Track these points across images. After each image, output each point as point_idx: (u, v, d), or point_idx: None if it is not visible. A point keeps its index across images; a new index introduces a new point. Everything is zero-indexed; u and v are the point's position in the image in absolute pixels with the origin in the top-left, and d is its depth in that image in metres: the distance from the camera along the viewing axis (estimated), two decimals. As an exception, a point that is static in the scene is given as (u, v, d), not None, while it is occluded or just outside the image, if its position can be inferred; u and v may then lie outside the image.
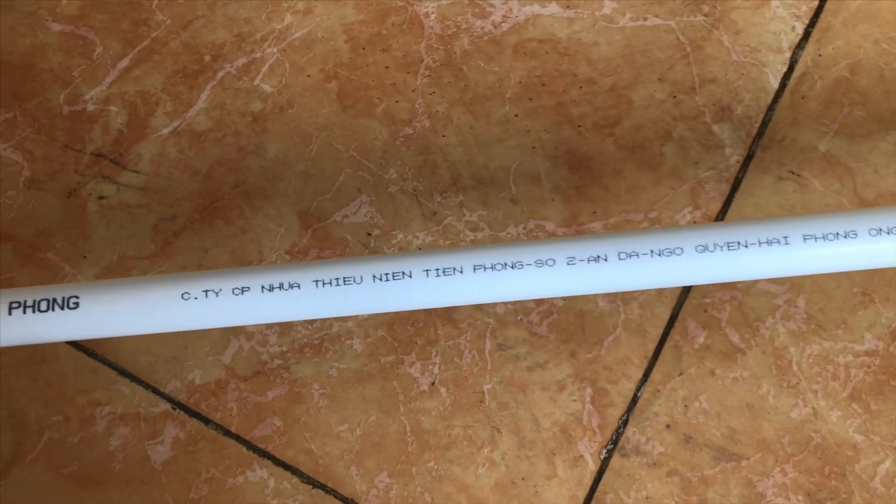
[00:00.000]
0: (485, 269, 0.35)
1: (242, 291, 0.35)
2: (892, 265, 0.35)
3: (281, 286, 0.35)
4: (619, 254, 0.34)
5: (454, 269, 0.35)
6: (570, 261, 0.34)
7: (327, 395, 0.47)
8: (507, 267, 0.34)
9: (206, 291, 0.35)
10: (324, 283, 0.35)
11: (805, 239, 0.34)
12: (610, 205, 0.50)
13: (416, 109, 0.54)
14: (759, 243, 0.34)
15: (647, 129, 0.52)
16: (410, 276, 0.35)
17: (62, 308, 0.34)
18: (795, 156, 0.51)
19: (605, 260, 0.34)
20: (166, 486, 0.47)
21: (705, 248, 0.34)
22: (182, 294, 0.35)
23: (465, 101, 0.54)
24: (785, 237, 0.34)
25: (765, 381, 0.46)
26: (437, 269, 0.35)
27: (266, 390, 0.48)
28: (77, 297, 0.34)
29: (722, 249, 0.34)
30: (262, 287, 0.35)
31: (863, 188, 0.50)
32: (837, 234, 0.34)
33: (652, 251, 0.34)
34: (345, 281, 0.35)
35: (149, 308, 0.35)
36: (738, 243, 0.34)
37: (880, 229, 0.34)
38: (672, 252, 0.34)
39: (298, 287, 0.35)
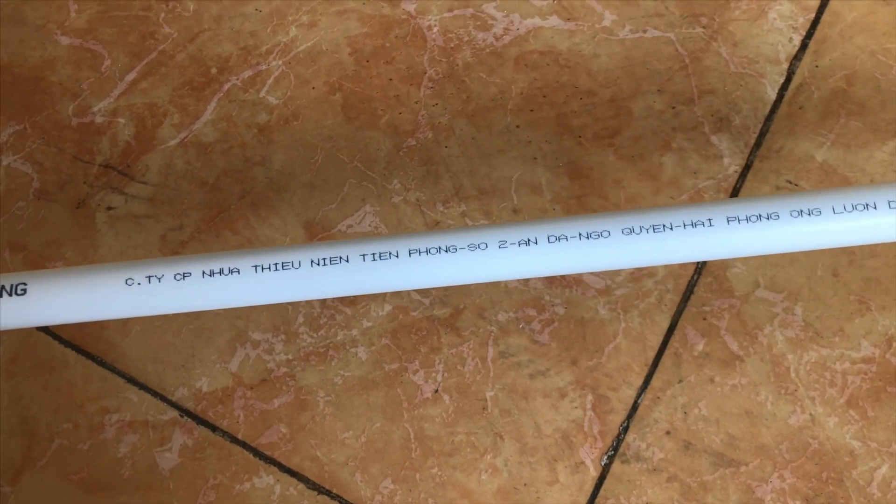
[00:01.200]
0: (420, 252, 0.35)
1: (184, 277, 0.35)
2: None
3: (221, 272, 0.35)
4: (548, 237, 0.35)
5: (390, 253, 0.35)
6: (502, 244, 0.35)
7: (332, 402, 0.48)
8: (442, 251, 0.35)
9: (150, 277, 0.35)
10: (263, 269, 0.35)
11: (728, 221, 0.35)
12: (610, 214, 0.51)
13: (420, 121, 0.55)
14: (685, 225, 0.35)
15: (646, 140, 0.53)
16: (347, 261, 0.35)
17: (10, 294, 0.35)
18: (793, 165, 0.52)
19: (536, 243, 0.35)
20: (174, 492, 0.47)
21: (631, 231, 0.35)
22: (126, 280, 0.35)
23: (468, 112, 0.55)
24: (709, 219, 0.35)
25: (763, 388, 0.47)
26: (373, 254, 0.35)
27: (272, 398, 0.48)
28: (25, 284, 0.35)
29: (648, 232, 0.35)
30: (203, 272, 0.35)
31: (859, 197, 0.51)
32: (760, 216, 0.35)
33: (580, 234, 0.35)
34: (283, 266, 0.35)
35: (94, 294, 0.35)
36: (664, 226, 0.35)
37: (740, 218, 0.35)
38: (599, 235, 0.35)
39: (238, 272, 0.35)
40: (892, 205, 0.35)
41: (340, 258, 0.35)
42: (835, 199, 0.35)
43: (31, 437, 0.48)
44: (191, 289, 0.35)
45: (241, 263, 0.35)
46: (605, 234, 0.35)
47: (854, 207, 0.35)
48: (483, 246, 0.35)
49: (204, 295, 0.35)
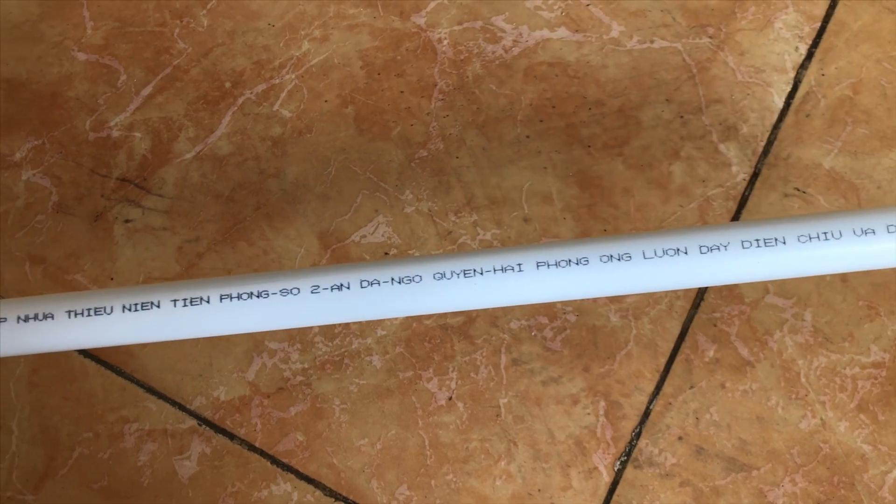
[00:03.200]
0: (231, 298, 0.35)
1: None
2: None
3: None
4: (361, 282, 0.35)
5: (201, 298, 0.35)
6: (315, 289, 0.35)
7: (348, 410, 0.49)
8: (254, 296, 0.35)
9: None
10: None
11: (539, 265, 0.35)
12: (620, 223, 0.52)
13: (431, 132, 0.55)
14: (494, 270, 0.35)
15: (655, 149, 0.53)
16: (159, 306, 0.35)
17: None
18: (800, 173, 0.52)
19: (349, 288, 0.35)
20: (193, 500, 0.48)
21: (443, 276, 0.35)
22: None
23: (478, 123, 0.55)
24: (519, 264, 0.35)
25: (774, 394, 0.48)
26: (184, 300, 0.35)
27: (289, 406, 0.49)
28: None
29: (459, 277, 0.35)
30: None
31: (867, 203, 0.51)
32: (569, 261, 0.35)
33: (392, 279, 0.35)
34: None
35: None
36: (474, 271, 0.35)
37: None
38: (412, 280, 0.35)
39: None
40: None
41: (152, 304, 0.35)
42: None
43: (53, 447, 0.49)
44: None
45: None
46: (417, 278, 0.35)
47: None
48: (295, 291, 0.35)
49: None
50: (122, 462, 0.48)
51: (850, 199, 0.51)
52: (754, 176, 0.53)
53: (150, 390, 0.50)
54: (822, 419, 0.47)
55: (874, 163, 0.52)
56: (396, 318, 0.50)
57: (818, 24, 0.56)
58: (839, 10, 0.57)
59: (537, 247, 0.36)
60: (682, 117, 0.54)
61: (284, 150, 0.56)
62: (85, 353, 0.51)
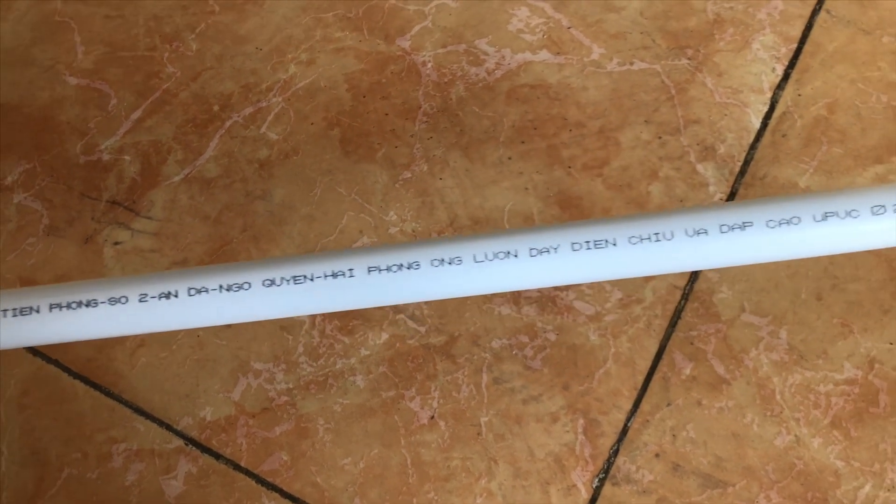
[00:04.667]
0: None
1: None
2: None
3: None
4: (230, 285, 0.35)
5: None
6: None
7: (332, 429, 0.50)
8: (234, 289, 0.35)
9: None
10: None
11: (433, 263, 0.35)
12: (599, 243, 0.53)
13: (415, 154, 0.56)
14: (325, 276, 0.35)
15: (634, 169, 0.54)
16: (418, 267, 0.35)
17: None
18: (777, 192, 0.53)
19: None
20: (180, 518, 0.49)
21: (442, 262, 0.35)
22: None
23: (461, 145, 0.56)
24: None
25: (749, 411, 0.48)
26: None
27: (273, 426, 0.50)
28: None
29: (289, 283, 0.35)
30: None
31: (841, 223, 0.52)
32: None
33: (221, 286, 0.35)
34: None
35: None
36: (304, 277, 0.35)
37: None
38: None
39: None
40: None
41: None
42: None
43: (42, 467, 0.50)
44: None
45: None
46: (246, 285, 0.35)
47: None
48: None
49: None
50: (110, 482, 0.49)
51: (825, 218, 0.52)
52: (731, 196, 0.54)
53: (138, 411, 0.51)
54: (796, 436, 0.48)
55: (849, 182, 0.53)
56: (380, 339, 0.51)
57: (794, 46, 0.57)
58: (815, 32, 0.58)
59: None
60: (660, 138, 0.55)
61: (271, 172, 0.57)
62: (74, 373, 0.52)
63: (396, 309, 0.52)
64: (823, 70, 0.57)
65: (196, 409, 0.50)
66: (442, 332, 0.51)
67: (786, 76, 0.57)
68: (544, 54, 0.59)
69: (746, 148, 0.55)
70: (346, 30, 0.61)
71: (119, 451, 0.50)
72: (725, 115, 0.56)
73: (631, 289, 0.52)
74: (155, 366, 0.52)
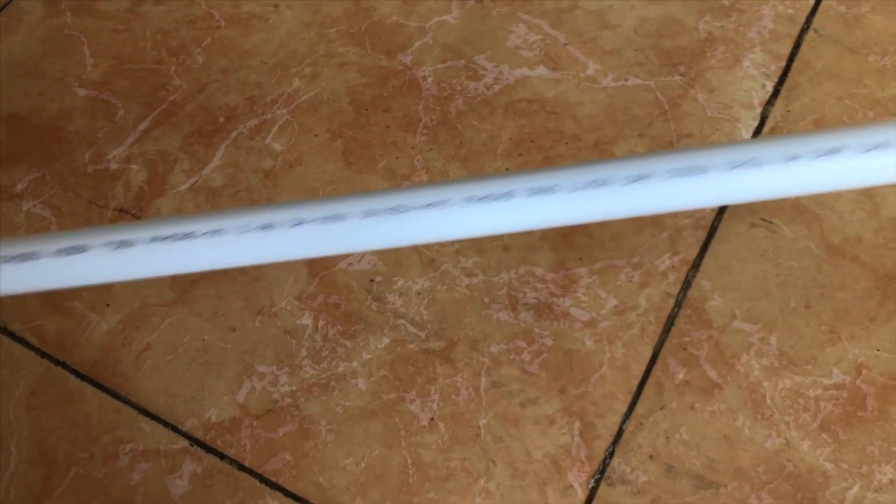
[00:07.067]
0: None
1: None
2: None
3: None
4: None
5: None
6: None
7: (334, 430, 0.51)
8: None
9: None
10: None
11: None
12: (595, 251, 0.54)
13: (415, 165, 0.58)
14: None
15: (628, 181, 0.56)
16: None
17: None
18: (766, 204, 0.55)
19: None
20: (184, 517, 0.50)
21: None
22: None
23: (460, 156, 0.58)
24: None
25: (741, 414, 0.50)
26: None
27: (277, 427, 0.51)
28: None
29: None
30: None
31: (829, 233, 0.54)
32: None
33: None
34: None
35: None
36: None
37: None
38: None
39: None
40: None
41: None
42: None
43: (50, 467, 0.51)
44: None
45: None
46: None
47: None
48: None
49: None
50: (116, 481, 0.50)
51: (814, 228, 0.54)
52: (723, 207, 0.55)
53: (144, 412, 0.52)
54: (786, 438, 0.49)
55: (836, 195, 0.55)
56: (381, 343, 0.53)
57: (784, 63, 0.59)
58: (804, 50, 0.60)
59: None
60: (654, 151, 0.57)
61: (275, 182, 0.58)
62: (82, 375, 0.53)
63: (397, 314, 0.53)
64: (812, 87, 0.58)
65: (201, 411, 0.52)
66: (441, 336, 0.53)
67: (775, 92, 0.59)
68: (541, 70, 0.61)
69: (737, 161, 0.56)
70: (349, 45, 0.63)
71: (125, 451, 0.51)
72: (717, 129, 0.58)
73: (626, 296, 0.53)
74: (161, 368, 0.53)
